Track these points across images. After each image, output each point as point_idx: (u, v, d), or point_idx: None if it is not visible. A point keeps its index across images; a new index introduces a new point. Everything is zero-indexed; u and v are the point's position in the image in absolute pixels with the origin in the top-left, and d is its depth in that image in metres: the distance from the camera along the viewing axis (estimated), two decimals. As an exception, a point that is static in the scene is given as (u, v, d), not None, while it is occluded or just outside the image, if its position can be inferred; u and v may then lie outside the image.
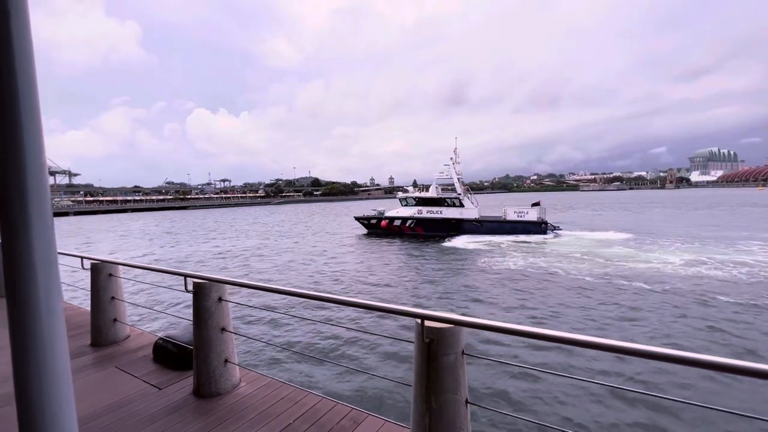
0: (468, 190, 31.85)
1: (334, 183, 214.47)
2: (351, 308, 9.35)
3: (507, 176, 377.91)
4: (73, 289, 10.61)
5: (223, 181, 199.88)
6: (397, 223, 31.06)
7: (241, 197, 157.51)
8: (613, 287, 12.62)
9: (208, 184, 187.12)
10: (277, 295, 10.32)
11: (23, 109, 0.66)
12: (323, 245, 25.87)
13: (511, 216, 28.46)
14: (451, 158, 32.13)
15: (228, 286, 3.33)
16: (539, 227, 27.44)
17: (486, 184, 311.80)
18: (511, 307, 10.82)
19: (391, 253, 21.42)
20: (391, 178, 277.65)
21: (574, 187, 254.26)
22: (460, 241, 25.45)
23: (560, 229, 29.00)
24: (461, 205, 29.94)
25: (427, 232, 29.87)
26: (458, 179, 31.19)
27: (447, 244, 24.07)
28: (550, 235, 26.73)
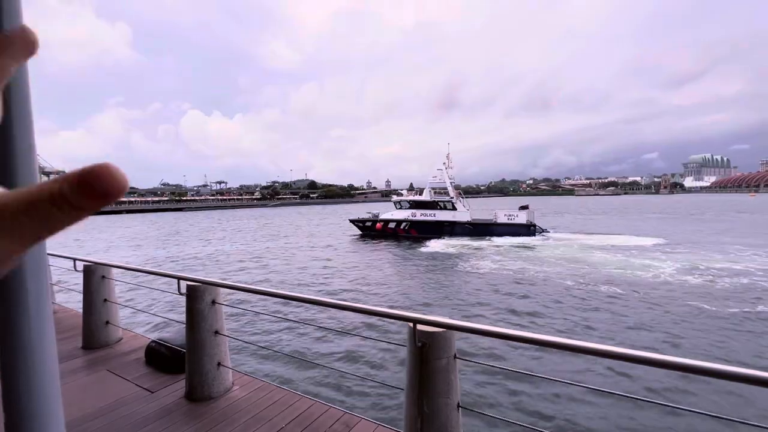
0: (460, 193, 32.47)
1: (330, 186, 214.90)
2: (344, 312, 9.35)
3: (503, 180, 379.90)
4: (65, 290, 10.50)
5: (219, 183, 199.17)
6: (392, 225, 31.59)
7: (237, 199, 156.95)
8: (584, 291, 12.67)
9: (204, 185, 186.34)
10: (271, 298, 10.25)
11: (14, 109, 0.66)
12: (317, 248, 25.84)
13: (502, 219, 29.22)
14: (444, 163, 32.93)
15: (221, 289, 3.32)
16: (528, 230, 28.21)
17: (482, 188, 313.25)
18: (491, 310, 10.85)
19: (380, 258, 21.43)
20: (387, 181, 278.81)
21: (569, 192, 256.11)
22: (439, 245, 25.67)
23: (548, 232, 29.84)
24: (454, 209, 30.68)
25: (421, 234, 30.43)
26: (450, 183, 31.96)
27: (425, 249, 23.97)
28: (538, 238, 27.45)
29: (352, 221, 34.80)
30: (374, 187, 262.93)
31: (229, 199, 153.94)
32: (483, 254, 21.43)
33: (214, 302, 3.24)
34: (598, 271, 15.91)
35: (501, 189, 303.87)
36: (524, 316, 10.27)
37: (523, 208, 29.70)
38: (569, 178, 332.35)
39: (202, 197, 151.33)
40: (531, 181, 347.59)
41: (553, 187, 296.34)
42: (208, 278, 3.25)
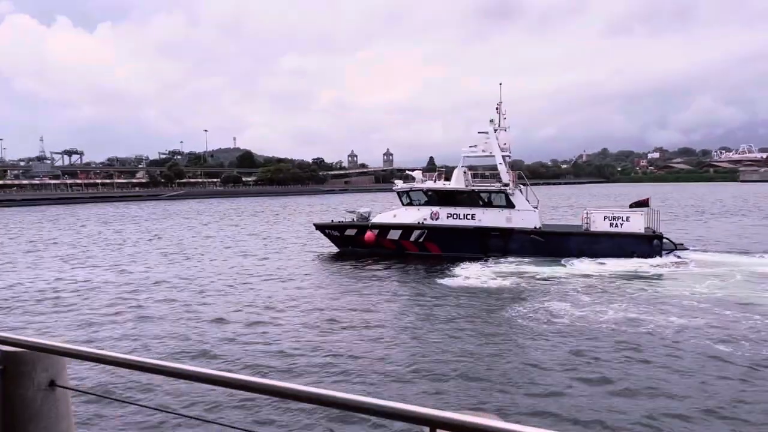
0: (521, 177, 33.12)
1: (282, 161, 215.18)
2: (302, 404, 9.33)
3: (604, 152, 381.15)
4: None
5: (70, 153, 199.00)
6: (394, 235, 32.21)
7: (104, 185, 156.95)
8: (751, 361, 12.98)
9: (41, 159, 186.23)
10: (169, 378, 10.12)
11: None
12: (252, 278, 25.97)
13: (599, 225, 30.02)
14: (492, 120, 33.04)
15: (67, 360, 3.31)
16: (647, 246, 28.96)
17: (564, 166, 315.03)
18: (573, 397, 10.94)
19: (368, 297, 21.70)
20: (387, 153, 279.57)
21: (727, 174, 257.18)
22: (481, 272, 26.39)
23: (687, 250, 30.58)
24: (509, 204, 31.20)
25: (448, 252, 30.95)
26: (504, 158, 32.35)
27: (453, 281, 24.44)
28: (666, 260, 28.16)
29: (320, 227, 35.51)
30: (362, 165, 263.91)
31: (88, 185, 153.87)
32: (560, 291, 21.72)
33: (53, 384, 3.23)
34: None
35: (599, 169, 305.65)
36: (637, 410, 10.32)
37: (639, 204, 30.46)
38: (728, 150, 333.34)
39: (37, 181, 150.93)
40: (655, 155, 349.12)
41: (698, 166, 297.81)
42: (42, 339, 3.23)
